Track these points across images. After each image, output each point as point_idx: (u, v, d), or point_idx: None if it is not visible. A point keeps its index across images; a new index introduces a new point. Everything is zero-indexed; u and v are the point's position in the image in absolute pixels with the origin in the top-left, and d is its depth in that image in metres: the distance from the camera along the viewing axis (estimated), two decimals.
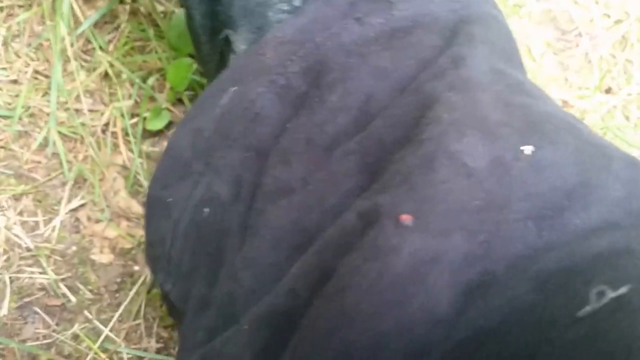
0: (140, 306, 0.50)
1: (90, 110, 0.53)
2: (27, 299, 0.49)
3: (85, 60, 0.55)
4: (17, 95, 0.53)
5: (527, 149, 0.24)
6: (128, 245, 0.51)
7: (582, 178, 0.24)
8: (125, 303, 0.50)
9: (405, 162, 0.25)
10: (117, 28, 0.56)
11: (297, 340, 0.24)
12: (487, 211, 0.23)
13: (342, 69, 0.30)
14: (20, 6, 0.55)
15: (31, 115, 0.53)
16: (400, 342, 0.22)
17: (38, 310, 0.49)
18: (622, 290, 0.20)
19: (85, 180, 0.52)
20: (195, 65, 0.52)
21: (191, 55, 0.52)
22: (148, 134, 0.54)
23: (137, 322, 0.50)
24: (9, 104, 0.53)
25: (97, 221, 0.51)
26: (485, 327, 0.21)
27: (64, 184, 0.52)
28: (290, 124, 0.31)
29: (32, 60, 0.54)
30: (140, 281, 0.50)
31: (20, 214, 0.51)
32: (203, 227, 0.33)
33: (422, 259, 0.22)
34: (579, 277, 0.21)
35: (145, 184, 0.52)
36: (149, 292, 0.50)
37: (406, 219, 0.23)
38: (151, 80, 0.54)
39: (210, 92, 0.34)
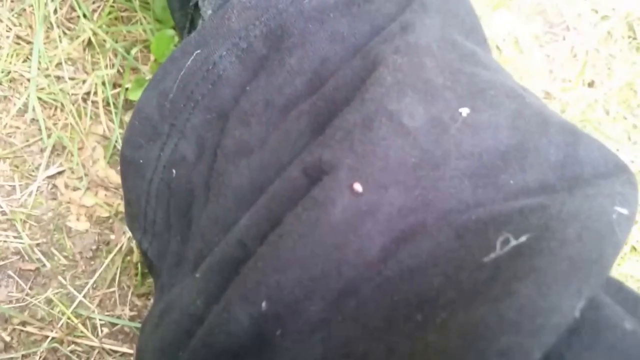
0: (115, 274, 0.50)
1: (72, 78, 0.53)
2: (1, 263, 0.49)
3: (69, 28, 0.55)
4: None
5: (464, 111, 0.25)
6: (105, 214, 0.51)
7: (518, 141, 0.25)
8: (100, 271, 0.50)
9: (347, 119, 0.26)
10: None
11: (235, 283, 0.25)
12: (424, 168, 0.24)
13: (301, 33, 0.31)
14: None
15: (11, 80, 0.53)
16: (332, 284, 0.23)
17: (12, 274, 0.49)
18: (522, 239, 0.21)
19: (64, 147, 0.52)
20: (177, 38, 0.52)
21: (175, 28, 0.52)
22: (130, 105, 0.54)
23: (112, 289, 0.50)
24: None
25: (75, 189, 0.52)
26: (410, 266, 0.23)
27: (42, 150, 0.52)
28: (250, 86, 0.32)
29: (15, 25, 0.54)
30: (115, 250, 0.51)
31: None
32: (172, 188, 0.34)
33: (358, 210, 0.23)
34: (492, 226, 0.22)
35: None
36: (124, 260, 0.51)
37: (357, 187, 0.24)
38: (135, 51, 0.54)
39: (176, 55, 0.35)
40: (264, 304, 0.24)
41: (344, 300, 0.23)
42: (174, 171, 0.34)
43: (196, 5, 0.36)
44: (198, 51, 0.33)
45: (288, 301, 0.23)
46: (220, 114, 0.32)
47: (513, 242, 0.21)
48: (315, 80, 0.30)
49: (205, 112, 0.33)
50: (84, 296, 0.49)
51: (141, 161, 0.36)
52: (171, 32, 0.52)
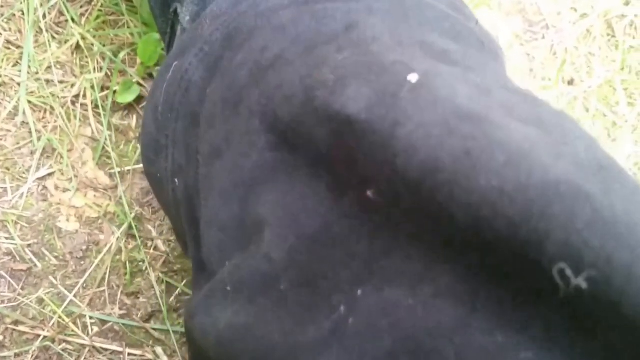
0: (104, 274, 0.51)
1: (61, 82, 0.54)
2: None
3: (58, 33, 0.56)
4: None
5: (413, 77, 0.23)
6: (94, 215, 0.52)
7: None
8: (90, 270, 0.51)
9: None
10: (90, 2, 0.57)
11: None
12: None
13: (249, 30, 0.31)
14: None
15: (2, 84, 0.54)
16: None
17: (4, 274, 0.50)
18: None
19: (54, 150, 0.53)
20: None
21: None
22: (118, 107, 0.55)
23: (101, 289, 0.51)
24: None
25: (65, 190, 0.53)
26: None
27: (32, 152, 0.53)
28: (210, 88, 0.32)
29: (4, 30, 0.55)
30: (105, 250, 0.52)
31: None
32: (178, 197, 0.35)
33: None
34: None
35: (114, 155, 0.54)
36: (113, 260, 0.52)
37: None
38: (122, 54, 0.55)
39: (162, 69, 0.36)
40: None
41: None
42: (176, 180, 0.35)
43: (176, 11, 0.38)
44: (176, 62, 0.34)
45: None
46: (194, 119, 0.33)
47: None
48: (255, 70, 0.29)
49: (184, 119, 0.34)
50: (75, 295, 0.50)
51: (158, 175, 0.37)
52: (157, 35, 0.53)
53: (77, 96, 0.54)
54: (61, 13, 0.56)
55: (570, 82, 0.66)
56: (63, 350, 0.49)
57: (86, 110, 0.54)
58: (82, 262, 0.52)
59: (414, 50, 0.26)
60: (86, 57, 0.55)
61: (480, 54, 0.32)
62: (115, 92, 0.54)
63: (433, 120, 0.21)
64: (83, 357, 0.49)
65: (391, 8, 0.30)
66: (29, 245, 0.51)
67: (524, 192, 0.18)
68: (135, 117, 0.56)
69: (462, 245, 0.20)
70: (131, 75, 0.55)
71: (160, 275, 0.52)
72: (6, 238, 0.51)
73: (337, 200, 0.24)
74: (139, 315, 0.51)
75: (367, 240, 0.23)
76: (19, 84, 0.54)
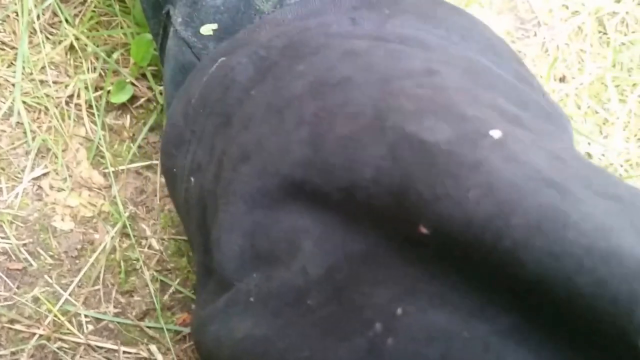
0: (99, 273, 0.52)
1: (55, 82, 0.55)
2: None
3: (52, 34, 0.56)
4: None
5: (495, 133, 0.23)
6: (89, 214, 0.53)
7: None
8: (85, 269, 0.52)
9: None
10: (83, 3, 0.57)
11: None
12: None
13: (317, 47, 0.31)
14: None
15: None
16: None
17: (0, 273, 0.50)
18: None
19: (48, 150, 0.54)
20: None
21: None
22: (112, 107, 0.56)
23: (96, 287, 0.52)
24: None
25: (59, 190, 0.53)
26: None
27: (27, 152, 0.53)
28: (255, 90, 0.31)
29: None
30: (100, 248, 0.52)
31: None
32: (191, 197, 0.34)
33: None
34: None
35: (108, 155, 0.54)
36: (108, 259, 0.52)
37: None
38: (116, 55, 0.55)
39: (205, 62, 0.35)
40: None
41: None
42: (192, 179, 0.34)
43: (168, 13, 0.38)
44: (223, 58, 0.33)
45: None
46: (228, 119, 0.32)
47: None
48: (316, 84, 0.29)
49: (216, 118, 0.32)
50: (70, 294, 0.51)
51: (175, 170, 0.36)
52: (150, 36, 0.53)
53: (71, 96, 0.55)
54: (55, 14, 0.56)
55: (562, 79, 0.66)
56: (58, 348, 0.49)
57: (80, 111, 0.55)
58: (77, 261, 0.52)
59: (491, 110, 0.26)
60: (80, 57, 0.56)
61: (548, 124, 0.31)
62: (109, 92, 0.55)
63: (515, 173, 0.20)
64: (78, 355, 0.49)
65: (466, 68, 0.30)
66: (24, 245, 0.51)
67: (614, 256, 0.18)
68: (129, 117, 0.56)
69: (528, 293, 0.19)
70: (124, 76, 0.55)
71: (155, 273, 0.52)
72: (1, 237, 0.51)
73: (385, 224, 0.23)
74: (133, 314, 0.51)
75: (412, 267, 0.22)
76: (13, 85, 0.54)
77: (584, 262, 0.18)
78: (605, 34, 0.68)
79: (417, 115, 0.24)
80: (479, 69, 0.31)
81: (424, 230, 0.21)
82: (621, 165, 0.62)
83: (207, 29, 0.36)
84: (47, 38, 0.56)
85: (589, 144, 0.63)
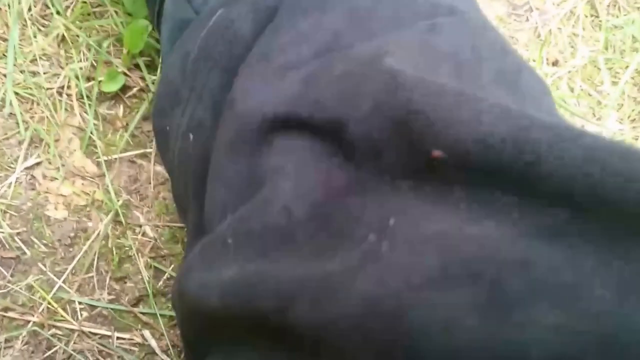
0: (93, 260, 0.52)
1: (47, 73, 0.55)
2: None
3: (43, 25, 0.57)
4: None
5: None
6: (82, 203, 0.53)
7: None
8: (79, 257, 0.52)
9: None
10: None
11: None
12: None
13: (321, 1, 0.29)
14: None
15: None
16: None
17: None
18: None
19: (41, 140, 0.54)
20: (150, 28, 0.54)
21: (147, 19, 0.54)
22: (105, 97, 0.56)
23: (90, 274, 0.52)
24: None
25: (52, 179, 0.53)
26: None
27: (20, 142, 0.54)
28: (256, 45, 0.30)
29: None
30: (93, 236, 0.52)
31: None
32: (190, 155, 0.33)
33: None
34: None
35: (100, 144, 0.54)
36: (101, 246, 0.52)
37: None
38: (107, 44, 0.56)
39: (203, 15, 0.34)
40: None
41: None
42: (191, 136, 0.32)
43: None
44: (221, 10, 0.32)
45: None
46: (234, 75, 0.30)
47: None
48: (321, 51, 0.28)
49: (222, 74, 0.31)
50: (64, 282, 0.51)
51: (167, 128, 0.34)
52: (144, 22, 0.54)
53: (62, 87, 0.55)
54: (46, 5, 0.57)
55: (555, 63, 0.66)
56: (52, 335, 0.49)
57: (72, 101, 0.55)
58: (71, 249, 0.52)
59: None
60: (71, 48, 0.56)
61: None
62: (100, 82, 0.55)
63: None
64: (72, 342, 0.49)
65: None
66: (18, 234, 0.52)
67: (631, 153, 0.19)
68: (122, 106, 0.57)
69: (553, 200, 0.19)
70: (116, 66, 0.56)
71: (149, 260, 0.52)
72: None
73: (383, 154, 0.23)
74: (127, 300, 0.51)
75: (412, 192, 0.22)
76: (5, 76, 0.54)
77: (607, 164, 0.18)
78: (597, 17, 0.68)
79: (419, 60, 0.24)
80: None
81: (437, 153, 0.21)
82: None
83: None
84: (39, 30, 0.56)
85: (583, 126, 0.63)
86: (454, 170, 0.21)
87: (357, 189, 0.23)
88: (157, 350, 0.50)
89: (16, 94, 0.54)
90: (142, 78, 0.57)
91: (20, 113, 0.54)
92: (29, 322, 0.50)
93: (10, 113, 0.54)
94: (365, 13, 0.28)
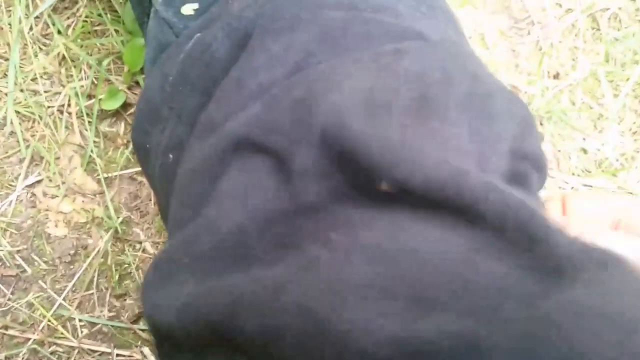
0: (93, 277, 0.52)
1: (48, 91, 0.56)
2: None
3: (44, 44, 0.57)
4: None
5: None
6: (82, 220, 0.53)
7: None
8: (79, 274, 0.52)
9: None
10: (75, 13, 0.58)
11: None
12: None
13: (291, 18, 0.30)
14: None
15: None
16: None
17: None
18: None
19: (42, 158, 0.54)
20: None
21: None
22: (106, 115, 0.57)
23: (90, 292, 0.52)
24: None
25: (53, 197, 0.54)
26: None
27: (21, 161, 0.54)
28: (235, 66, 0.31)
29: None
30: (93, 253, 0.53)
31: None
32: (168, 174, 0.33)
33: None
34: None
35: (99, 162, 0.55)
36: (101, 263, 0.52)
37: None
38: (107, 63, 0.56)
39: (181, 39, 0.35)
40: None
41: None
42: (170, 156, 0.33)
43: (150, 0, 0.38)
44: (199, 34, 0.33)
45: None
46: (210, 96, 0.31)
47: None
48: (294, 72, 0.29)
49: (199, 95, 0.32)
50: (64, 299, 0.51)
51: (148, 146, 0.36)
52: (142, 41, 0.54)
53: (63, 105, 0.56)
54: (47, 25, 0.57)
55: (556, 76, 0.66)
56: (52, 353, 0.49)
57: (72, 119, 0.55)
58: (71, 266, 0.52)
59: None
60: (72, 67, 0.56)
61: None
62: (100, 99, 0.55)
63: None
64: (72, 359, 0.50)
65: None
66: (19, 251, 0.52)
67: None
68: (123, 124, 0.57)
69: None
70: (116, 83, 0.56)
71: None
72: None
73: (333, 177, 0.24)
74: (127, 317, 0.51)
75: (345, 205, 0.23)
76: (6, 95, 0.55)
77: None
78: (598, 30, 0.67)
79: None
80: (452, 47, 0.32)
81: (385, 187, 0.22)
82: (617, 160, 0.61)
83: (188, 9, 0.36)
84: (40, 49, 0.57)
85: (584, 139, 0.63)
86: (400, 193, 0.22)
87: (306, 207, 0.24)
88: None
89: (17, 112, 0.55)
90: None
91: (21, 131, 0.54)
92: (29, 339, 0.50)
93: (11, 132, 0.55)
94: (337, 32, 0.30)
